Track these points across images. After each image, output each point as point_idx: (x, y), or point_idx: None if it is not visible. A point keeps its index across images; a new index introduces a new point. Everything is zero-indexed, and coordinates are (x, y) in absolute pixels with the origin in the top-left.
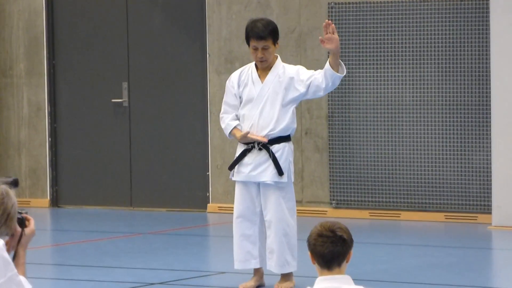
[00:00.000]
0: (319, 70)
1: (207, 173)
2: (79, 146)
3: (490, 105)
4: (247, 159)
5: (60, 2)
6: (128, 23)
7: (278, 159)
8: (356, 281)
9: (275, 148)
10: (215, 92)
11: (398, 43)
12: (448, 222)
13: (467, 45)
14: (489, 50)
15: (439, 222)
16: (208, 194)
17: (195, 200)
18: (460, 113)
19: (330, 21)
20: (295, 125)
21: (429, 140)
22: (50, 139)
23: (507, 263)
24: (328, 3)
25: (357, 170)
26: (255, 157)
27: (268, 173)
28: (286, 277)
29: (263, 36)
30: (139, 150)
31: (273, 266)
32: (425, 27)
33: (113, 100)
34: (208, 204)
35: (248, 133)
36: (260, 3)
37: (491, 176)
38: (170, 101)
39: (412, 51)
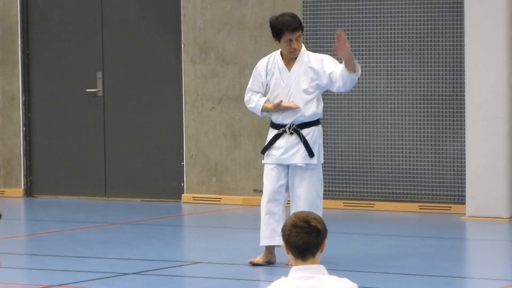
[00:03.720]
0: (342, 65)
1: (182, 163)
2: (53, 136)
3: (464, 95)
4: (278, 142)
5: None
6: (102, 12)
7: (308, 142)
8: (330, 271)
9: (305, 132)
10: (190, 82)
11: (373, 34)
12: (422, 212)
13: (442, 36)
14: (463, 41)
15: (413, 213)
16: (182, 184)
17: (170, 190)
18: (434, 103)
19: (341, 31)
20: (321, 110)
21: (403, 130)
22: (24, 128)
23: (481, 253)
24: None
25: (331, 160)
26: (286, 141)
27: (299, 156)
28: None
29: (296, 27)
30: (114, 140)
31: None
32: (399, 18)
33: (87, 90)
34: (182, 194)
35: (281, 101)
36: None
37: (465, 166)
38: (145, 91)
39: (387, 42)
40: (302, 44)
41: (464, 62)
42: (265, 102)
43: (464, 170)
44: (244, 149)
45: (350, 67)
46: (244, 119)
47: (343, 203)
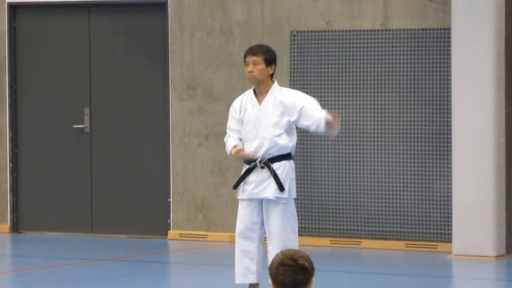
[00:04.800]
0: (315, 104)
1: (168, 200)
2: (40, 172)
3: (450, 133)
4: (250, 177)
5: (23, 27)
6: (90, 48)
7: (279, 176)
8: None
9: (275, 165)
10: (177, 118)
11: (360, 71)
12: (408, 250)
13: (429, 74)
14: (450, 79)
15: (399, 251)
16: (169, 221)
17: (156, 227)
18: (421, 141)
19: (337, 114)
20: (293, 144)
21: (390, 168)
22: (11, 164)
23: None
24: (291, 31)
25: (318, 197)
26: (257, 175)
27: (269, 189)
28: None
29: (254, 52)
30: (100, 176)
31: None
32: (386, 56)
33: (74, 126)
34: (169, 231)
35: (240, 150)
36: (223, 31)
37: (451, 204)
38: (132, 127)
39: (374, 80)
40: (274, 80)
41: (450, 100)
42: (234, 146)
43: (451, 208)
44: (231, 186)
45: (329, 128)
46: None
47: (330, 240)
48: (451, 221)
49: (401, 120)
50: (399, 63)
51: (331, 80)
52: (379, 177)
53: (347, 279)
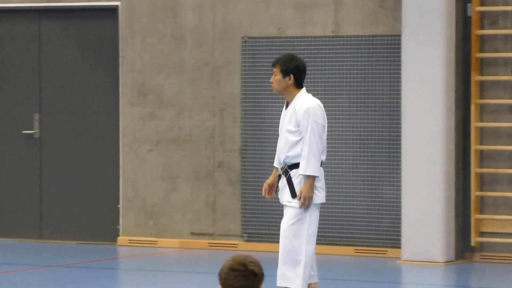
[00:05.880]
0: (311, 143)
1: (118, 206)
2: None
3: (401, 140)
4: (279, 183)
5: None
6: (40, 53)
7: (293, 182)
8: None
9: (293, 172)
10: (127, 124)
11: (311, 77)
12: (358, 256)
13: (379, 80)
14: (401, 86)
15: (349, 256)
16: (118, 227)
17: (106, 233)
18: (371, 147)
19: (307, 202)
20: None
21: (340, 173)
22: None
23: None
24: (242, 38)
25: (269, 203)
26: (281, 181)
27: (286, 195)
28: None
29: (273, 63)
30: (50, 181)
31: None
32: (337, 62)
33: (24, 132)
34: (118, 237)
35: (265, 186)
36: (174, 36)
37: (401, 210)
38: (82, 133)
39: (325, 86)
40: (299, 90)
41: (401, 106)
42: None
43: (400, 214)
44: (181, 192)
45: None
46: (181, 162)
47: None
48: (401, 227)
49: (351, 126)
50: (350, 69)
51: None
52: (330, 183)
53: None
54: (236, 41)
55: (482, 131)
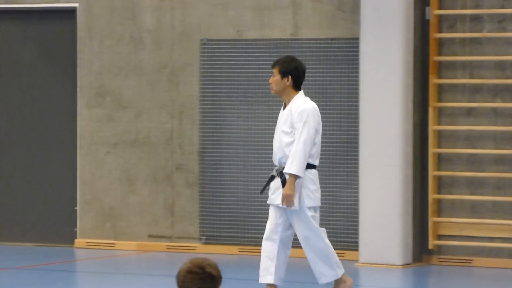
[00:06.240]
0: (299, 145)
1: (75, 208)
2: None
3: (358, 142)
4: (271, 183)
5: None
6: None
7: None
8: None
9: (284, 170)
10: (85, 126)
11: (268, 79)
12: None
13: (338, 83)
14: (359, 89)
15: (306, 259)
16: (76, 229)
17: (63, 235)
18: (329, 150)
19: (289, 202)
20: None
21: None
22: None
23: None
24: (201, 40)
25: (227, 205)
26: (274, 182)
27: (280, 197)
28: (335, 284)
29: (273, 64)
30: (6, 183)
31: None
32: None
33: None
34: (75, 240)
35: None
36: (132, 38)
37: (358, 213)
38: (39, 135)
39: None
40: (297, 92)
41: (359, 109)
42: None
43: (358, 217)
44: (139, 194)
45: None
46: (139, 164)
47: (238, 249)
48: (358, 230)
49: None
50: (309, 72)
51: (241, 88)
52: None
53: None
54: (195, 43)
55: (440, 134)
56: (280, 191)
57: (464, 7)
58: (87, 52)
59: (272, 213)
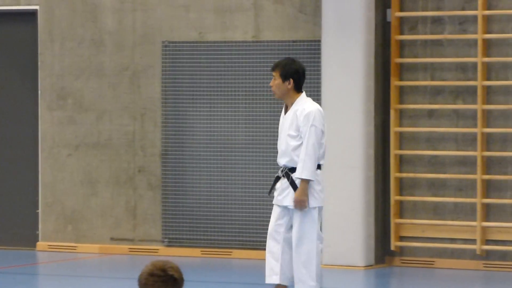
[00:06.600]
0: (309, 147)
1: (37, 211)
2: None
3: None
4: (277, 184)
5: None
6: None
7: (296, 185)
8: None
9: (295, 175)
10: (46, 128)
11: (232, 82)
12: None
13: None
14: (321, 91)
15: (264, 260)
16: (37, 232)
17: (25, 238)
18: None
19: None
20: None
21: (261, 178)
22: None
23: None
24: (162, 42)
25: (190, 208)
26: (281, 183)
27: (288, 198)
28: None
29: (273, 67)
30: None
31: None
32: (258, 67)
33: None
34: (37, 242)
35: None
36: (93, 41)
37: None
38: (1, 138)
39: (246, 91)
40: (299, 94)
41: None
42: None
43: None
44: (101, 197)
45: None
46: (101, 166)
47: (201, 251)
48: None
49: (271, 130)
50: (270, 74)
51: (203, 90)
52: (250, 187)
53: None
54: (156, 45)
55: (401, 136)
56: (287, 192)
57: (425, 9)
58: (48, 55)
59: (275, 212)
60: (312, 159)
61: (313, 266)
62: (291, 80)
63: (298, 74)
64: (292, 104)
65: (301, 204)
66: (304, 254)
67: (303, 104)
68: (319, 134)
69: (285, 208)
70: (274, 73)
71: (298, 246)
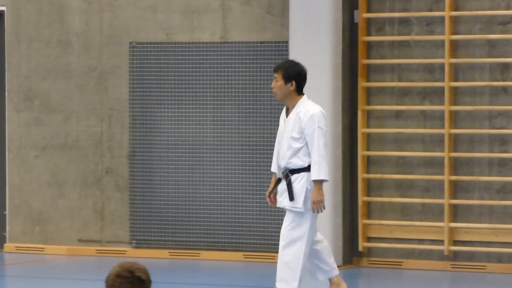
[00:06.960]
0: (316, 149)
1: (4, 212)
2: None
3: None
4: (278, 186)
5: None
6: None
7: (293, 187)
8: None
9: (294, 177)
10: (13, 129)
11: (199, 83)
12: (247, 261)
13: (267, 86)
14: None
15: (238, 261)
16: (5, 234)
17: None
18: (259, 153)
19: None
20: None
21: (229, 179)
22: None
23: None
24: (130, 43)
25: (157, 209)
26: (281, 185)
27: (286, 199)
28: None
29: (275, 68)
30: None
31: None
32: (226, 68)
33: None
34: (5, 244)
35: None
36: (60, 41)
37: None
38: None
39: (213, 92)
40: (301, 96)
41: None
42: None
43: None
44: (68, 198)
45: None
46: (69, 168)
47: (169, 252)
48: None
49: (239, 132)
50: (238, 75)
51: (171, 92)
52: (218, 189)
53: None
54: (123, 46)
55: (368, 137)
56: (286, 193)
57: (392, 10)
58: (15, 56)
59: (285, 217)
60: (326, 159)
61: (299, 268)
62: (294, 82)
63: (301, 76)
64: (293, 106)
65: (318, 205)
66: (292, 254)
67: (306, 106)
68: (324, 135)
69: (287, 209)
70: (276, 75)
71: (288, 246)
